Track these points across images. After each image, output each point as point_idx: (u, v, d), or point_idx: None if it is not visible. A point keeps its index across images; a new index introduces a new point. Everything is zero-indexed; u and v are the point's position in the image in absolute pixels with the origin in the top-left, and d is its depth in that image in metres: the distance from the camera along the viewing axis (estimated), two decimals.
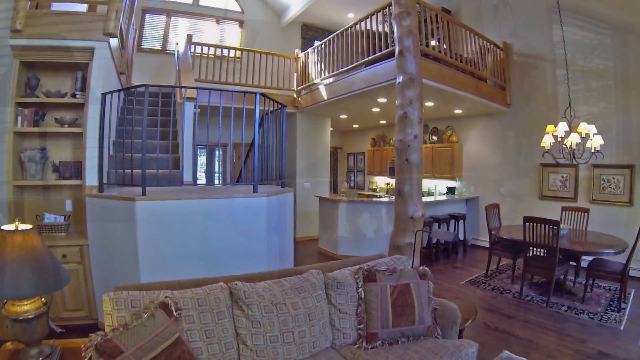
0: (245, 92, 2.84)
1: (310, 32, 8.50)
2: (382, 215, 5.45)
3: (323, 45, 5.80)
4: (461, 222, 6.21)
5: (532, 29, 5.71)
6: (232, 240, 2.88)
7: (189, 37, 5.77)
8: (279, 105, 3.56)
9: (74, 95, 3.25)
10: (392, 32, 4.32)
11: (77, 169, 3.22)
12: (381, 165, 8.70)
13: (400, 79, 3.74)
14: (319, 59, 5.94)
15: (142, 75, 6.75)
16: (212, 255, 2.80)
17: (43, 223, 3.04)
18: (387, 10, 4.46)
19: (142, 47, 7.01)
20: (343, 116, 7.59)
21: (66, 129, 3.22)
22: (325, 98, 5.71)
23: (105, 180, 3.10)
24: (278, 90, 6.55)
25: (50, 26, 2.94)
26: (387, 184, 8.67)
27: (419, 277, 2.17)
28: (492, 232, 4.56)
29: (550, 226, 3.57)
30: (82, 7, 3.10)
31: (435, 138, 7.47)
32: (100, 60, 3.05)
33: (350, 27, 5.09)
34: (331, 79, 5.64)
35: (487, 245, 6.24)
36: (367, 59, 4.74)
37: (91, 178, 3.11)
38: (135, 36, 5.86)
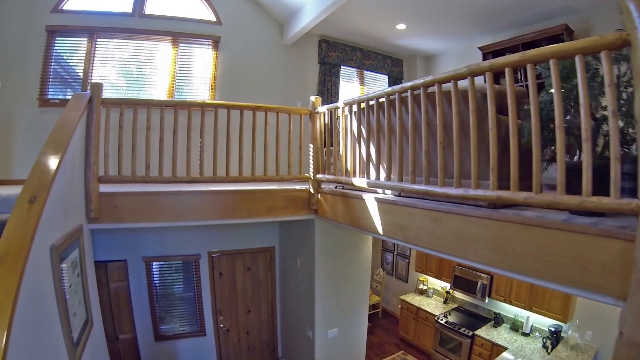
0: None
1: (333, 53, 5.26)
2: None
3: (373, 102, 2.64)
4: None
5: None
6: None
7: (95, 88, 2.77)
8: None
9: None
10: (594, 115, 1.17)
11: None
12: (440, 267, 5.68)
13: None
14: (363, 126, 2.81)
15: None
16: None
17: None
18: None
19: (49, 98, 4.07)
20: None
21: None
22: (381, 233, 2.54)
23: None
24: (278, 183, 3.48)
25: None
26: (447, 291, 5.59)
27: None
28: None
29: None
30: None
31: None
32: None
33: (447, 79, 1.93)
34: (391, 192, 2.52)
35: None
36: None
37: None
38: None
